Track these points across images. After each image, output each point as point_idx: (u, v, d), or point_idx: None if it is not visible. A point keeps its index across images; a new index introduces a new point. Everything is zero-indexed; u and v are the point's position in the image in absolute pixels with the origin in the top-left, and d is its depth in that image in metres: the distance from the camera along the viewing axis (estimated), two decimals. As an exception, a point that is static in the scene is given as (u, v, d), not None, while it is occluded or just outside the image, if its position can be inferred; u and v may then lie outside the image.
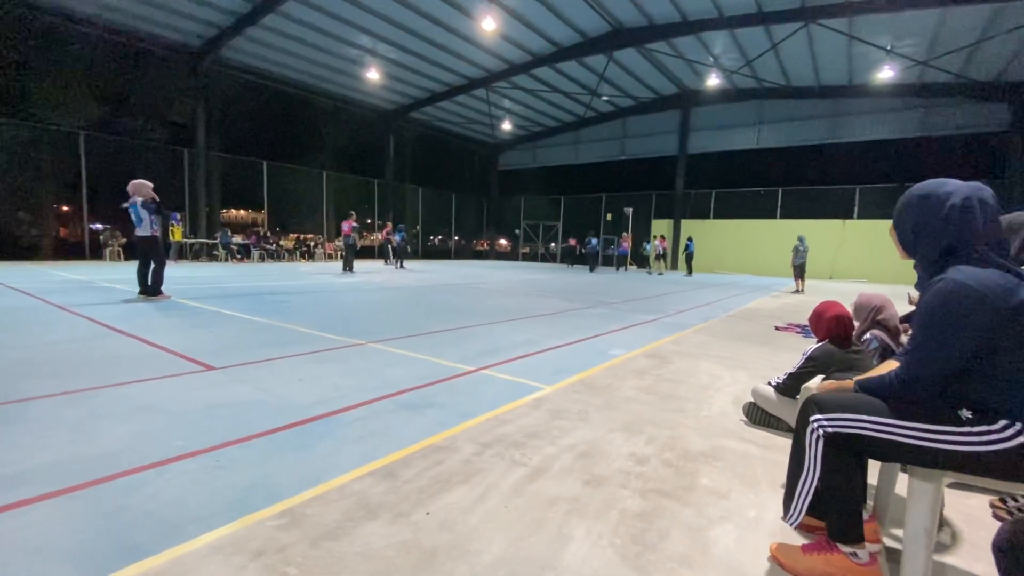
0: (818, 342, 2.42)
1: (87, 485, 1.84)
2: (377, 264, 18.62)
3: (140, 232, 6.74)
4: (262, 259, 17.94)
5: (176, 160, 16.79)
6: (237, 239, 17.85)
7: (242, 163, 18.59)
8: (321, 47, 16.95)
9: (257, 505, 1.73)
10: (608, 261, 24.21)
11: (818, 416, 1.46)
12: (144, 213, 6.67)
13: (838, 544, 1.48)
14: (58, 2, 13.27)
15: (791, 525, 1.56)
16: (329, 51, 17.27)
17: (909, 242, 1.44)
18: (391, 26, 15.86)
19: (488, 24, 14.90)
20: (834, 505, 1.48)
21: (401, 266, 16.67)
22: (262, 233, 18.72)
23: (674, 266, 23.20)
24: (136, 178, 6.85)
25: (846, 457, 1.44)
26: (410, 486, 1.91)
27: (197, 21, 14.93)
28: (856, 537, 1.46)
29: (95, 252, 15.03)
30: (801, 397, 2.05)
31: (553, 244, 28.57)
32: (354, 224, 13.31)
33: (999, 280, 1.23)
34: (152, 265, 6.79)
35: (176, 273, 11.39)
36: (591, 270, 19.94)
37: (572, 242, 23.68)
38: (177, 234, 15.63)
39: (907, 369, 1.34)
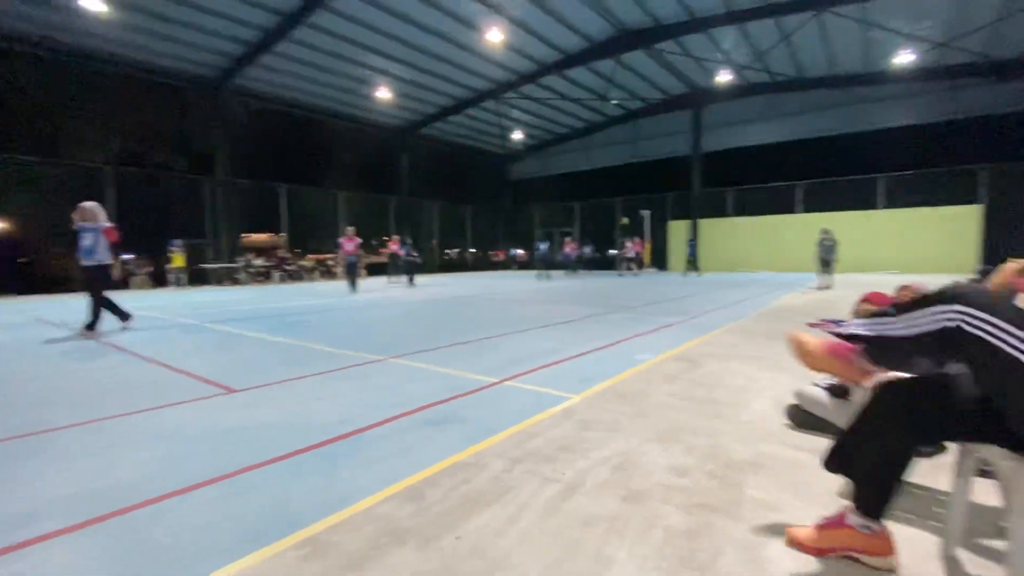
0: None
1: (108, 517, 1.78)
2: (380, 281, 17.58)
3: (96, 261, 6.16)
4: (283, 280, 18.17)
5: (198, 188, 17.18)
6: (258, 262, 18.13)
7: (261, 188, 18.93)
8: (332, 70, 17.24)
9: (278, 534, 1.65)
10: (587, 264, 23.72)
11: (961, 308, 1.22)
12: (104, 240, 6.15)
13: (854, 515, 1.46)
14: (80, 43, 13.78)
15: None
16: (340, 73, 17.54)
17: None
18: (399, 44, 16.06)
19: (494, 36, 14.96)
20: (879, 467, 1.42)
21: (411, 282, 15.35)
22: (281, 255, 18.98)
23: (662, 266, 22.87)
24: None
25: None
26: (437, 508, 1.80)
27: (212, 52, 15.33)
28: (877, 511, 1.43)
29: (124, 281, 15.40)
30: (854, 397, 1.89)
31: (585, 251, 28.00)
32: (355, 240, 12.69)
33: None
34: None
35: (199, 297, 11.57)
36: (542, 277, 18.31)
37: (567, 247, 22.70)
38: (178, 260, 15.82)
39: None
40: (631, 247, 20.35)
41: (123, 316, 6.45)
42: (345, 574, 1.44)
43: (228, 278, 17.49)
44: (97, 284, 6.13)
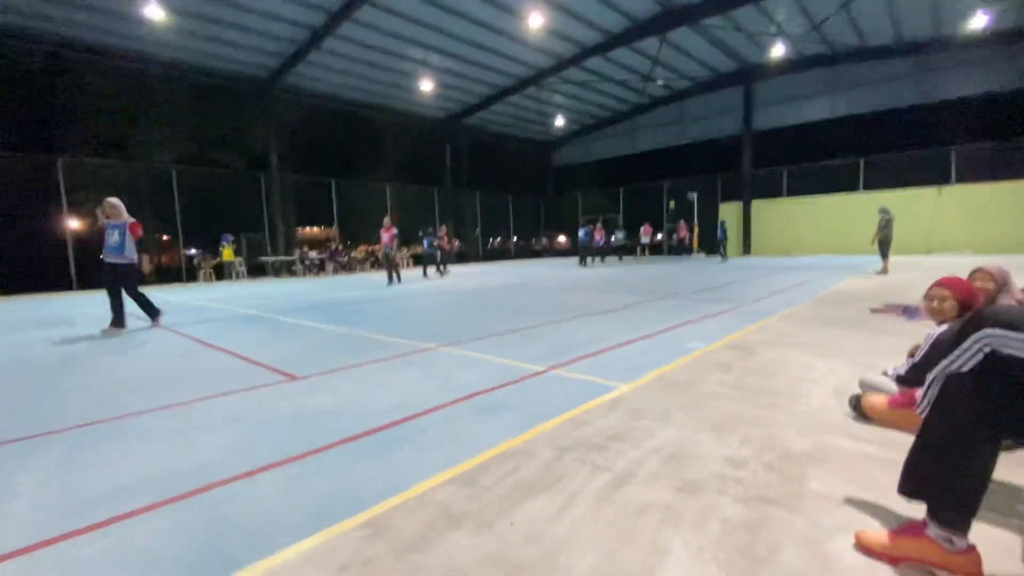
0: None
1: (188, 495, 1.93)
2: (429, 270, 17.22)
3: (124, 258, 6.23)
4: (336, 271, 18.85)
5: (254, 185, 18.02)
6: (313, 254, 18.90)
7: (313, 183, 19.66)
8: (376, 64, 17.53)
9: (341, 515, 1.74)
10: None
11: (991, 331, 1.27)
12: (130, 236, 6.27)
13: (933, 525, 1.33)
14: (144, 50, 14.64)
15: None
16: (384, 67, 17.82)
17: None
18: (441, 35, 16.12)
19: (534, 20, 14.77)
20: (951, 472, 1.30)
21: (426, 274, 15.26)
22: (334, 247, 19.69)
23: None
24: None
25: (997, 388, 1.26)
26: (491, 494, 1.85)
27: (263, 53, 15.93)
28: (959, 521, 1.29)
29: (190, 275, 16.41)
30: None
31: (613, 238, 27.62)
32: (391, 230, 12.79)
33: None
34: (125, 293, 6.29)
35: (258, 289, 12.17)
36: (581, 264, 18.33)
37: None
38: (227, 255, 16.54)
39: None
40: (645, 231, 21.47)
41: (120, 322, 6.23)
42: (406, 555, 1.50)
43: (285, 270, 18.31)
44: (129, 281, 6.32)
